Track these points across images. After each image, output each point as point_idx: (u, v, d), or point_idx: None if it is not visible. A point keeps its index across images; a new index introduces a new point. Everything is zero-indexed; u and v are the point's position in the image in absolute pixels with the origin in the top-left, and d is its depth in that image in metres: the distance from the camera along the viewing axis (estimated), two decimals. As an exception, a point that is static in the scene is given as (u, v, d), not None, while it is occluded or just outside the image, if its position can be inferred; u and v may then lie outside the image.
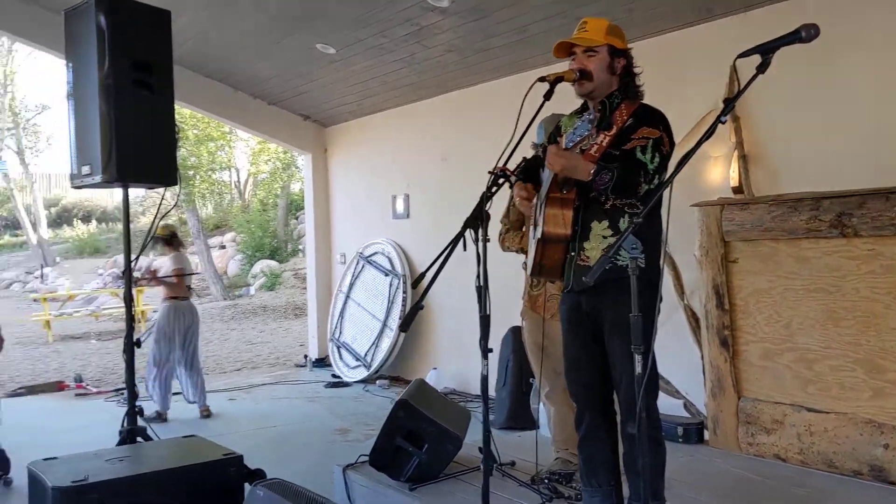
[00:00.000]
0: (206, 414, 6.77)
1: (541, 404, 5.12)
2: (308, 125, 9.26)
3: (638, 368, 2.29)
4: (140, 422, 4.05)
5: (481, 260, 2.70)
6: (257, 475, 3.28)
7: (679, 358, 4.85)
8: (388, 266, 8.12)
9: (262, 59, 7.58)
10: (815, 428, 3.82)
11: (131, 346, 4.04)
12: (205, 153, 17.37)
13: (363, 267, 8.51)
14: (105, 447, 4.07)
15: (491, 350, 2.73)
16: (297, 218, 21.25)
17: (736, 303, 4.22)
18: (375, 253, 8.39)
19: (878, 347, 3.58)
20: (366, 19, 6.21)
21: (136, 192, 26.91)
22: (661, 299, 2.75)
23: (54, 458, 3.29)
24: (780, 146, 4.74)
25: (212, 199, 22.74)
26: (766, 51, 2.24)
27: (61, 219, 31.93)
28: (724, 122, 2.26)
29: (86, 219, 31.41)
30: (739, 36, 4.97)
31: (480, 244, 2.72)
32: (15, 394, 8.28)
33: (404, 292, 7.82)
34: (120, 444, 3.96)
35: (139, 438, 4.01)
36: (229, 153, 21.00)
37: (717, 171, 5.06)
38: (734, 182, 4.95)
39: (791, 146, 4.68)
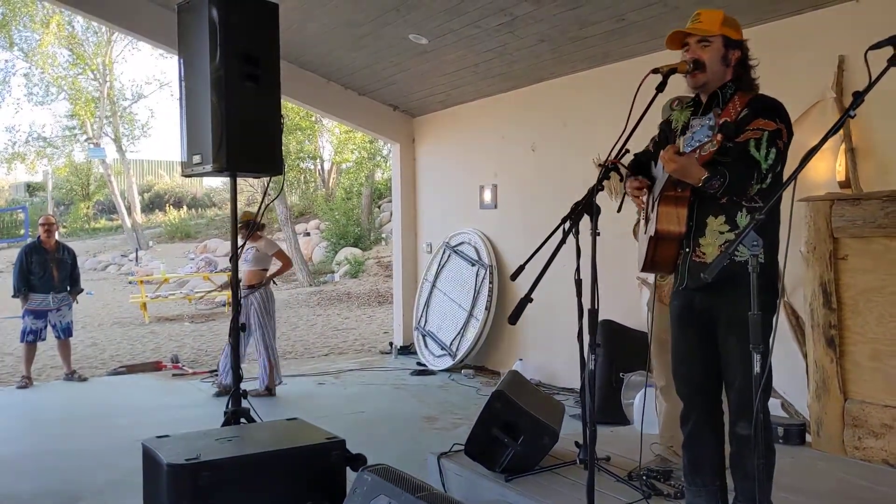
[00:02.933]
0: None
1: (636, 400, 5.08)
2: (397, 115, 9.35)
3: (756, 368, 2.24)
4: (244, 403, 4.19)
5: (581, 253, 2.67)
6: (359, 460, 3.35)
7: (777, 356, 4.68)
8: (474, 256, 8.15)
9: (355, 50, 7.68)
10: (928, 434, 3.67)
11: (237, 329, 4.17)
12: (293, 142, 17.74)
13: (449, 256, 8.56)
14: (205, 427, 4.24)
15: (599, 345, 2.70)
16: (380, 206, 21.52)
17: (844, 301, 4.08)
18: (462, 243, 8.42)
19: None
20: (459, 9, 6.22)
21: (223, 179, 27.69)
22: (779, 297, 2.68)
23: (166, 436, 3.42)
24: (891, 139, 4.55)
25: (298, 187, 23.22)
26: (900, 42, 2.14)
27: (154, 204, 33.16)
28: (853, 117, 2.19)
29: (177, 205, 32.54)
30: (848, 25, 4.79)
31: (582, 236, 2.70)
32: (116, 372, 8.67)
33: (491, 283, 7.83)
34: (225, 424, 4.11)
35: (243, 419, 4.15)
36: (314, 142, 21.42)
37: (823, 164, 4.89)
38: (841, 176, 4.77)
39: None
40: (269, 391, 6.98)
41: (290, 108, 16.19)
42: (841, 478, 3.76)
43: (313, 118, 18.31)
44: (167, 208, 31.76)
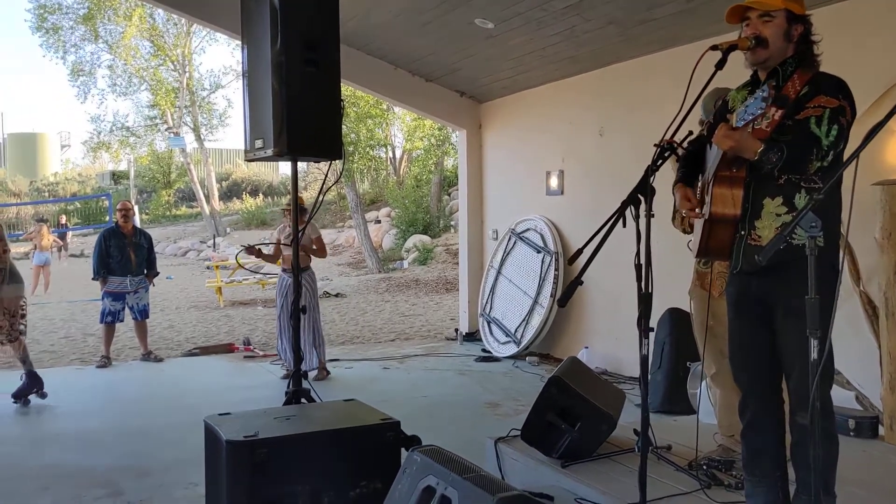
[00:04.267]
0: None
1: (700, 389, 4.97)
2: (463, 101, 9.34)
3: (813, 354, 2.15)
4: (304, 384, 4.27)
5: (643, 237, 2.62)
6: (413, 441, 3.36)
7: (852, 347, 4.54)
8: (540, 243, 8.09)
9: (422, 37, 7.70)
10: None
11: (297, 312, 4.25)
12: (363, 130, 17.92)
13: (515, 243, 8.52)
14: (269, 407, 4.34)
15: (652, 329, 2.65)
16: (449, 194, 21.58)
17: (921, 290, 3.89)
18: (528, 230, 8.37)
19: None
20: (525, -8, 6.16)
21: (301, 167, 28.20)
22: (840, 282, 2.58)
23: (228, 413, 3.51)
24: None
25: (368, 174, 23.46)
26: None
27: (231, 192, 34.03)
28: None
29: (253, 192, 33.32)
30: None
31: (642, 220, 2.65)
32: (190, 353, 8.94)
33: (556, 270, 7.76)
34: (286, 403, 4.19)
35: (303, 400, 4.23)
36: (386, 130, 21.59)
37: (901, 147, 4.68)
38: (921, 159, 4.55)
39: None
40: (325, 370, 7.09)
41: (360, 96, 16.36)
42: (914, 473, 3.60)
43: (384, 106, 18.44)
44: (244, 196, 32.55)
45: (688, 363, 5.70)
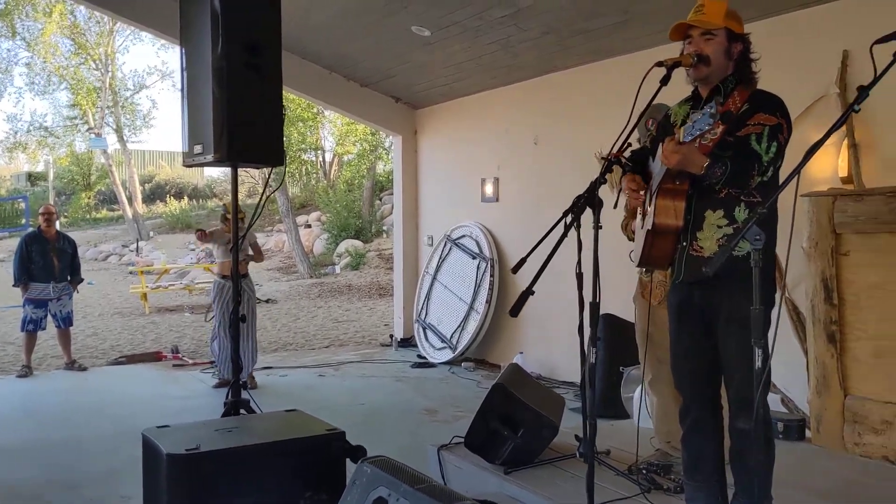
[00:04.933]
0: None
1: (636, 394, 5.08)
2: (399, 107, 9.33)
3: (758, 363, 2.23)
4: (244, 394, 4.19)
5: (583, 247, 2.66)
6: (359, 451, 3.34)
7: (777, 352, 4.69)
8: (475, 249, 8.14)
9: (358, 42, 7.66)
10: (929, 430, 3.67)
11: (237, 320, 4.17)
12: (294, 134, 17.71)
13: (450, 249, 8.55)
14: (205, 417, 4.25)
15: (600, 338, 2.69)
16: (381, 199, 21.51)
17: (846, 297, 4.07)
18: (463, 236, 8.41)
19: None
20: (462, 1, 6.20)
21: (223, 170, 27.62)
22: (777, 291, 2.68)
23: (166, 426, 3.42)
24: (895, 135, 4.53)
25: (299, 179, 23.20)
26: (906, 37, 2.13)
27: (155, 195, 33.13)
28: (857, 111, 2.17)
29: (178, 195, 32.51)
30: (852, 20, 4.77)
31: (585, 230, 2.69)
32: (116, 362, 8.68)
33: (492, 276, 7.82)
34: (225, 415, 4.11)
35: (242, 410, 4.16)
36: (316, 134, 21.40)
37: (826, 160, 4.87)
38: (843, 172, 4.76)
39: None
40: (253, 379, 6.98)
41: (292, 100, 16.16)
42: (840, 474, 3.75)
43: (315, 109, 18.27)
44: (168, 199, 31.73)
45: (621, 368, 5.81)
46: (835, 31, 4.86)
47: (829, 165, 4.83)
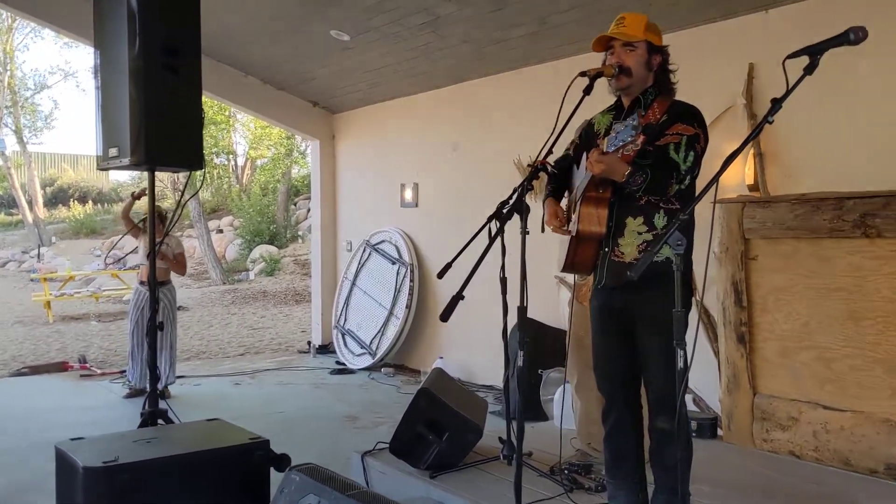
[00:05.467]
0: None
1: (556, 396, 5.18)
2: (316, 111, 9.25)
3: (679, 364, 2.31)
4: (162, 404, 4.07)
5: (508, 252, 2.71)
6: (284, 460, 3.30)
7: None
8: (395, 255, 8.14)
9: (276, 45, 7.56)
10: (831, 426, 3.86)
11: (154, 328, 4.06)
12: (206, 137, 17.31)
13: (370, 255, 8.52)
14: (119, 429, 4.10)
15: (528, 341, 2.75)
16: (296, 204, 21.23)
17: (754, 300, 4.25)
18: (382, 241, 8.40)
19: (899, 348, 3.62)
20: (381, 7, 6.20)
21: (130, 173, 26.73)
22: (693, 294, 2.79)
23: (81, 438, 3.30)
24: (797, 145, 4.77)
25: (211, 183, 22.67)
26: (814, 52, 2.25)
27: (57, 199, 31.79)
28: (771, 122, 2.28)
29: (82, 199, 31.30)
30: (757, 34, 4.99)
31: (509, 236, 2.74)
32: (19, 373, 8.28)
33: (411, 281, 7.84)
34: (142, 425, 3.99)
35: (160, 421, 4.04)
36: (228, 137, 20.98)
37: (733, 168, 5.01)
38: (749, 180, 4.97)
39: (809, 145, 4.70)
40: (166, 391, 6.79)
41: (204, 102, 15.79)
42: (751, 469, 3.92)
43: (228, 112, 17.92)
44: (71, 203, 30.51)
45: (539, 371, 5.91)
46: (740, 45, 5.08)
47: (737, 173, 5.03)
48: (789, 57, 2.24)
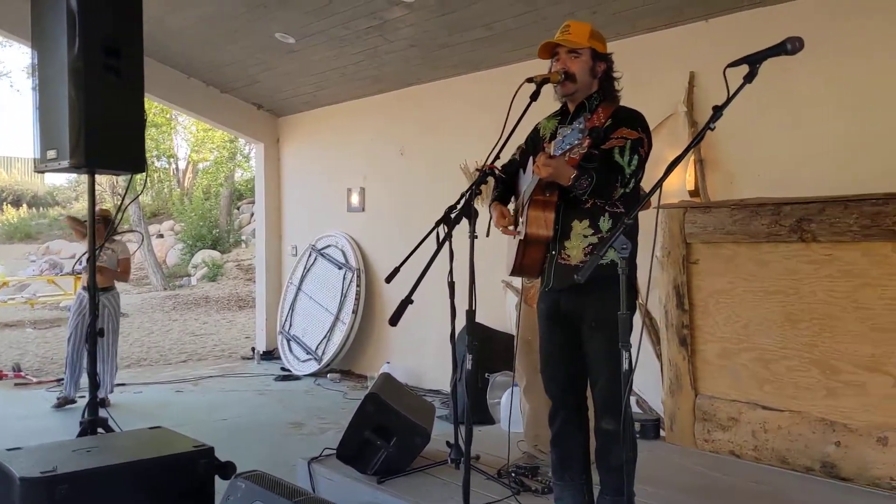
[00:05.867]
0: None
1: (503, 399, 5.21)
2: (261, 114, 9.16)
3: (625, 365, 2.35)
4: (102, 412, 3.97)
5: (455, 256, 2.73)
6: (228, 468, 3.25)
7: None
8: (341, 259, 8.09)
9: (219, 47, 7.47)
10: (769, 425, 3.97)
11: (94, 335, 3.96)
12: (146, 140, 16.97)
13: (315, 259, 8.46)
14: (57, 438, 3.99)
15: (476, 344, 2.76)
16: (239, 208, 20.94)
17: (696, 303, 4.35)
18: (329, 246, 8.34)
19: (833, 349, 3.74)
20: (328, 10, 6.17)
21: (67, 176, 26.03)
22: (637, 297, 2.83)
23: (18, 448, 3.20)
24: (737, 152, 4.90)
25: (152, 186, 22.22)
26: (754, 61, 2.32)
27: (-11, 202, 30.77)
28: (713, 129, 2.34)
29: (16, 203, 30.38)
30: (698, 43, 5.12)
31: (457, 240, 2.75)
32: (-51, 382, 8.00)
33: (358, 286, 7.80)
34: (81, 434, 3.89)
35: (100, 429, 3.94)
36: (169, 140, 20.60)
37: (675, 174, 5.13)
38: (690, 185, 5.09)
39: (747, 152, 4.83)
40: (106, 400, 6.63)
41: (146, 104, 15.50)
42: (693, 469, 4.00)
43: (169, 115, 17.60)
44: (4, 207, 29.56)
45: (486, 374, 5.94)
46: (682, 53, 5.19)
47: (678, 179, 5.14)
48: (730, 66, 2.30)
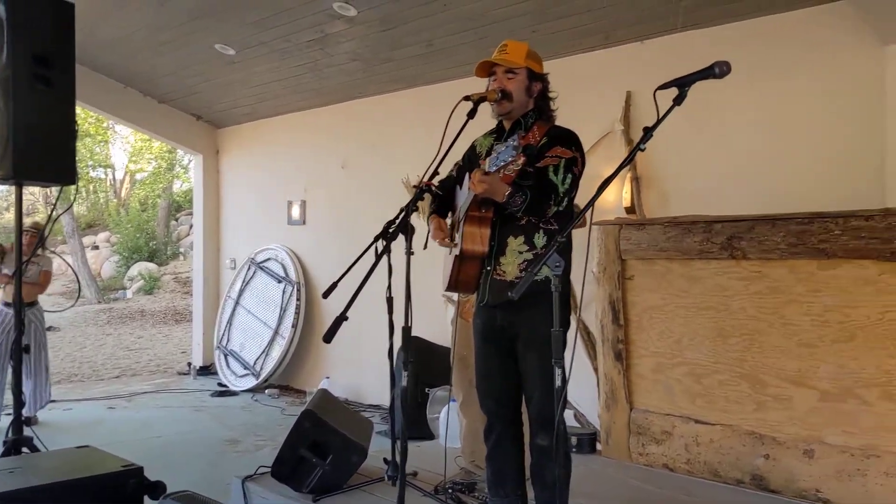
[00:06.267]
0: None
1: (441, 414, 5.20)
2: (200, 125, 9.03)
3: (558, 382, 2.37)
4: (27, 431, 3.85)
5: (393, 272, 2.73)
6: (158, 487, 3.17)
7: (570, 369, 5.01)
8: (281, 273, 8.01)
9: (157, 57, 7.35)
10: (701, 439, 4.05)
11: (20, 351, 3.83)
12: (82, 149, 16.58)
13: (255, 273, 8.35)
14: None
15: (412, 361, 2.76)
16: (177, 219, 20.57)
17: (630, 318, 4.42)
18: (268, 259, 8.25)
19: (762, 363, 3.84)
20: (269, 22, 6.14)
21: (2, 188, 25.28)
22: (571, 314, 2.87)
23: (-66, 470, 3.08)
24: (670, 170, 5.01)
25: (87, 197, 21.68)
26: (683, 84, 2.37)
27: (-90, 212, 29.60)
28: (643, 150, 2.39)
29: (-61, 213, 29.27)
30: (634, 63, 5.23)
31: (396, 255, 2.75)
32: None
33: (298, 300, 7.73)
34: (4, 454, 3.75)
35: (25, 449, 3.81)
36: (106, 150, 20.16)
37: (611, 191, 5.28)
38: (627, 202, 5.18)
39: (681, 171, 4.95)
40: (33, 418, 6.42)
41: (79, 114, 15.15)
42: (627, 483, 4.05)
43: (105, 124, 17.23)
44: (-71, 217, 28.47)
45: (426, 389, 5.93)
46: (618, 73, 5.30)
47: (615, 196, 5.24)
48: (659, 88, 2.35)
